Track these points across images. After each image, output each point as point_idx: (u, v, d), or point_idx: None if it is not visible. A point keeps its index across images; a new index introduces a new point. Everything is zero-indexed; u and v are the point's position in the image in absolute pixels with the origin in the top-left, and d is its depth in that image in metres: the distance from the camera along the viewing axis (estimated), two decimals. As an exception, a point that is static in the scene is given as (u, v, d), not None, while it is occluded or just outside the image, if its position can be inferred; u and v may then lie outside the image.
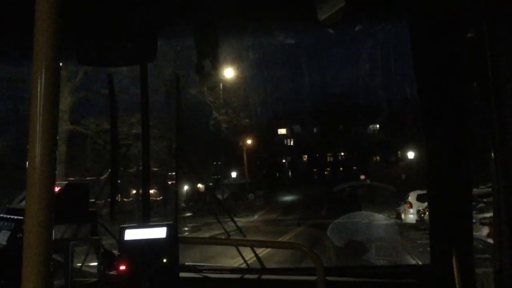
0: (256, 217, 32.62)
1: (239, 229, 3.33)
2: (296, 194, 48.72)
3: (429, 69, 2.54)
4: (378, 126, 58.86)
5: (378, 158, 60.37)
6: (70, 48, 2.73)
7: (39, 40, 1.04)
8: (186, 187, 41.01)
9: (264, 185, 50.59)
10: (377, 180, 40.99)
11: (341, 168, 64.96)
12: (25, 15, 1.28)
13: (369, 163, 58.62)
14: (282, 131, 68.50)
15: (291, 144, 69.55)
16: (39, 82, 1.03)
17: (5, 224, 2.43)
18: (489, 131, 1.89)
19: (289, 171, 68.66)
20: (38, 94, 1.03)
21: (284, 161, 68.54)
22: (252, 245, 3.19)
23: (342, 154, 66.73)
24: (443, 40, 2.44)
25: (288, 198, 46.77)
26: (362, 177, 51.50)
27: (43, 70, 1.04)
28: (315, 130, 67.43)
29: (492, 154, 1.85)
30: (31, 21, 1.05)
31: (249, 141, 49.59)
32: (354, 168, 60.43)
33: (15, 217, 2.43)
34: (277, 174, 64.47)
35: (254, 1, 2.66)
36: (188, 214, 30.13)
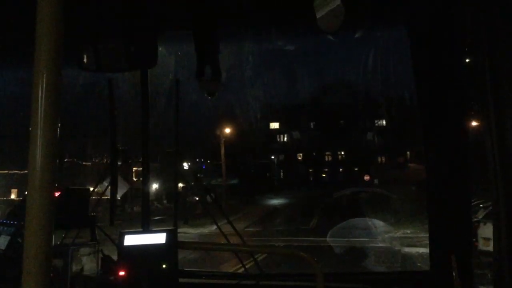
0: (214, 227, 17.23)
1: (240, 236, 3.32)
2: (285, 197, 42.14)
3: (428, 75, 2.54)
4: (384, 122, 51.64)
5: (383, 159, 53.63)
6: (70, 53, 2.74)
7: (41, 45, 1.05)
8: (155, 186, 35.31)
9: (248, 185, 43.83)
10: (387, 183, 35.22)
11: (340, 169, 57.67)
12: (26, 20, 1.29)
13: (373, 164, 51.87)
14: (275, 125, 59.92)
15: (285, 140, 60.83)
16: (40, 87, 1.04)
17: (5, 229, 2.43)
18: (488, 135, 1.89)
19: (281, 171, 59.55)
20: (39, 99, 1.03)
21: (273, 157, 59.07)
22: (252, 251, 3.18)
23: (342, 153, 58.85)
24: (442, 46, 2.45)
25: (274, 201, 39.57)
26: (367, 177, 46.39)
27: (44, 75, 1.04)
28: (312, 125, 59.17)
29: (492, 158, 1.85)
30: (33, 25, 1.06)
31: (227, 130, 41.84)
32: (356, 169, 53.30)
33: (15, 222, 2.43)
34: (267, 174, 55.55)
35: (254, 7, 2.67)
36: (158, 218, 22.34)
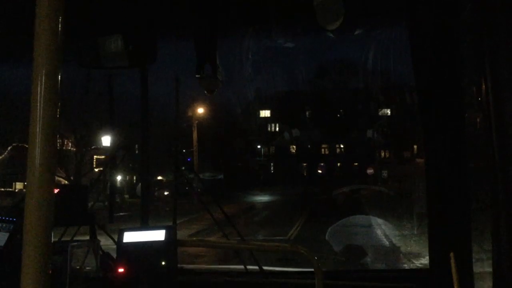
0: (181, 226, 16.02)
1: (239, 234, 3.32)
2: (272, 194, 36.98)
3: (429, 74, 2.54)
4: (388, 111, 45.09)
5: (387, 153, 47.43)
6: (70, 51, 2.74)
7: (40, 42, 1.04)
8: (119, 178, 31.87)
9: (234, 180, 38.33)
10: (398, 178, 29.69)
11: (338, 164, 51.18)
12: (26, 17, 1.28)
13: (375, 158, 45.75)
14: (266, 113, 52.90)
15: (277, 130, 53.58)
16: (39, 84, 1.04)
17: (4, 225, 2.43)
18: (489, 134, 1.89)
19: (271, 164, 53.10)
20: (38, 96, 1.03)
21: (259, 147, 51.81)
22: (252, 248, 3.18)
23: (341, 146, 52.42)
24: (443, 45, 2.44)
25: (257, 199, 33.87)
26: (370, 171, 41.66)
27: (43, 72, 1.04)
28: (307, 114, 51.83)
29: (492, 156, 1.85)
30: (32, 22, 1.06)
31: (200, 110, 35.09)
32: (356, 164, 47.91)
33: (14, 218, 2.43)
34: (256, 167, 49.43)
35: (254, 5, 2.67)
36: (123, 214, 18.43)
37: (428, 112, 2.57)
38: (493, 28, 1.88)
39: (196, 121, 34.47)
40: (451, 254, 2.34)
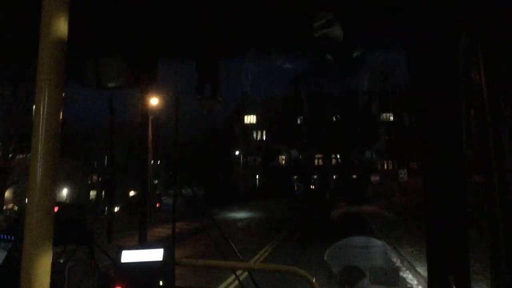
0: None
1: (237, 254, 3.30)
2: (250, 210, 33.14)
3: (427, 96, 2.56)
4: (392, 116, 40.44)
5: (391, 164, 42.86)
6: (71, 70, 2.76)
7: (43, 61, 1.06)
8: (65, 191, 30.63)
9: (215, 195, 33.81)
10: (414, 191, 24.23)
11: (334, 176, 44.83)
12: (29, 37, 1.30)
13: (377, 171, 40.32)
14: (251, 118, 47.67)
15: (263, 138, 47.67)
16: (42, 103, 1.05)
17: (2, 244, 2.42)
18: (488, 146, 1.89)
19: (257, 176, 47.14)
20: (41, 115, 1.04)
21: (238, 153, 46.13)
22: (249, 268, 3.17)
23: (338, 156, 45.60)
24: (441, 66, 2.47)
25: (229, 215, 30.13)
26: (376, 178, 37.37)
27: (46, 91, 1.05)
28: (299, 120, 45.34)
29: (489, 165, 1.85)
30: (36, 42, 1.07)
31: (154, 101, 27.47)
32: (354, 176, 41.86)
33: (12, 237, 2.42)
34: (237, 181, 44.22)
35: (254, 25, 2.70)
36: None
37: (427, 136, 2.57)
38: (491, 51, 1.90)
39: (151, 116, 28.52)
40: (451, 277, 2.33)
